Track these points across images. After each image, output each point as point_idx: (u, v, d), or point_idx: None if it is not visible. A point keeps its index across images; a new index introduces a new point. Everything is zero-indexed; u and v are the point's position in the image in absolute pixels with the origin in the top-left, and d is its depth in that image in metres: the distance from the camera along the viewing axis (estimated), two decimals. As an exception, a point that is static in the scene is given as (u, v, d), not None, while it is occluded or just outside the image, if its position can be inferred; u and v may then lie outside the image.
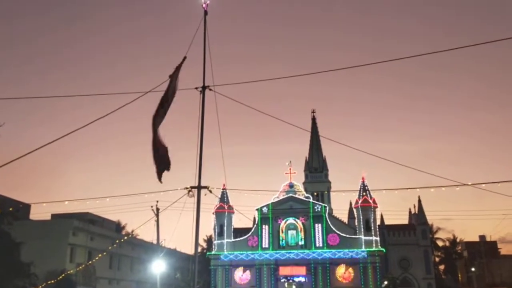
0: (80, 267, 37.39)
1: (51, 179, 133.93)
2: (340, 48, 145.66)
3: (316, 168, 74.39)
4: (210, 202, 47.66)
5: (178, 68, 13.37)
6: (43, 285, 30.40)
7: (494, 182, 20.64)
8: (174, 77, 13.03)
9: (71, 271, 35.37)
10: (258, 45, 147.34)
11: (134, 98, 15.38)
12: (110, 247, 40.59)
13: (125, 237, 40.19)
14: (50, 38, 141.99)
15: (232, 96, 16.34)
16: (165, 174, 12.86)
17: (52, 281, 30.94)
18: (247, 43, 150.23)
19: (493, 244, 69.77)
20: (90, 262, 39.77)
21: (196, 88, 15.69)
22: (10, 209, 25.77)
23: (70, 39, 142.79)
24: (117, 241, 40.60)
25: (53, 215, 49.73)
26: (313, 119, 77.49)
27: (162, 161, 12.75)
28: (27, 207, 50.21)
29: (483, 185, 20.60)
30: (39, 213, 60.97)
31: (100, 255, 39.11)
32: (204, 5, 15.75)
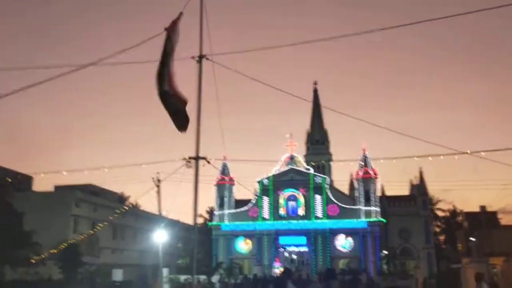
0: (82, 236, 37.95)
1: (55, 153, 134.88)
2: (342, 17, 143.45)
3: (317, 140, 74.38)
4: (212, 174, 47.98)
5: (175, 23, 12.84)
6: (46, 254, 30.97)
7: (493, 150, 20.56)
8: (171, 31, 12.47)
9: (73, 241, 35.93)
10: (258, 12, 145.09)
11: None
12: (111, 217, 41.10)
13: (126, 207, 40.62)
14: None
15: (232, 66, 16.18)
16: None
17: (55, 251, 31.50)
18: (247, 10, 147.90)
19: (493, 214, 70.15)
20: (92, 231, 40.27)
21: (193, 57, 15.48)
22: (8, 179, 25.94)
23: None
24: (117, 210, 40.97)
25: (56, 187, 50.30)
26: (315, 91, 77.22)
27: (180, 114, 11.72)
28: (29, 179, 50.85)
29: (483, 153, 20.50)
30: (43, 185, 61.61)
31: (101, 225, 39.60)
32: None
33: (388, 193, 60.22)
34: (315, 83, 77.75)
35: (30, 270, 31.23)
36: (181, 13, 13.42)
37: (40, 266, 31.49)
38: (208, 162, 18.54)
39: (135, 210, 58.88)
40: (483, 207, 68.93)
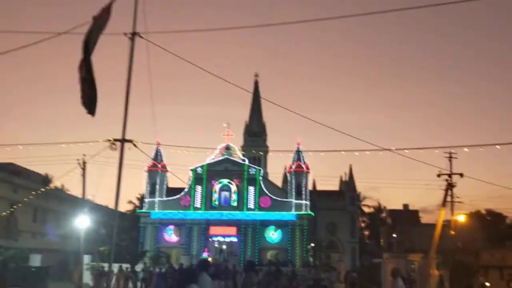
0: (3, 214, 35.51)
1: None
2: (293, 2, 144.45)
3: (255, 132, 74.81)
4: (145, 160, 46.62)
5: (105, 10, 11.98)
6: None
7: (415, 148, 21.34)
8: (100, 19, 11.66)
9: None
10: None
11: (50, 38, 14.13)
12: (28, 198, 38.76)
13: (47, 188, 38.49)
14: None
15: (169, 48, 15.36)
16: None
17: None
18: None
19: (415, 212, 74.18)
20: (8, 212, 37.75)
21: (125, 34, 14.50)
22: None
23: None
24: (37, 192, 38.71)
25: (-27, 165, 46.80)
26: (256, 83, 77.39)
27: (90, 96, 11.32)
28: None
29: (406, 151, 21.14)
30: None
31: (15, 206, 37.27)
32: None
33: (319, 188, 61.75)
34: (256, 75, 78.03)
35: None
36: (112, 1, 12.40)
37: None
38: (135, 146, 17.72)
39: (59, 192, 56.15)
40: (406, 206, 72.69)
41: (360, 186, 74.86)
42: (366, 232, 74.44)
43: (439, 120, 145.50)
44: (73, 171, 33.01)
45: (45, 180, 56.13)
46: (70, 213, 50.44)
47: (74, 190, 55.28)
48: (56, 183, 59.21)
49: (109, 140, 18.32)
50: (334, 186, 64.33)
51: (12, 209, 38.90)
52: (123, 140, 15.33)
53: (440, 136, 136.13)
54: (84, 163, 34.36)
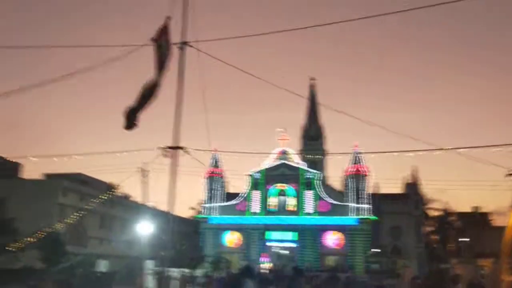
0: (66, 223, 37.31)
1: (49, 142, 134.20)
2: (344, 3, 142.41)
3: (312, 136, 73.99)
4: (204, 166, 47.34)
5: (163, 30, 12.11)
6: (24, 242, 30.39)
7: (479, 147, 19.97)
8: (161, 40, 11.79)
9: (52, 229, 35.29)
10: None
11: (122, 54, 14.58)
12: (91, 205, 40.39)
13: (109, 196, 39.94)
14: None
15: (220, 56, 15.41)
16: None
17: (33, 239, 30.82)
18: None
19: (485, 215, 69.88)
20: (76, 220, 39.53)
21: (175, 44, 14.73)
22: None
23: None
24: (97, 199, 40.24)
25: (45, 175, 49.67)
26: (311, 86, 76.69)
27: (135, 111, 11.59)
28: (17, 166, 50.27)
29: (461, 151, 19.84)
30: (36, 173, 60.94)
31: (78, 214, 38.88)
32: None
33: (382, 191, 59.92)
34: (312, 79, 77.35)
35: (9, 258, 30.65)
36: (168, 17, 12.49)
37: (20, 254, 30.93)
38: (187, 153, 17.96)
39: (123, 200, 58.31)
40: (475, 208, 68.65)
41: (426, 188, 71.79)
42: (433, 237, 71.18)
43: (505, 116, 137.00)
44: (133, 178, 34.05)
45: (111, 188, 58.56)
46: (134, 219, 52.24)
47: (139, 197, 57.24)
48: (121, 190, 61.68)
49: (162, 148, 18.75)
50: (397, 189, 62.18)
51: (77, 216, 40.70)
52: (174, 147, 15.65)
53: (508, 134, 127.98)
54: (145, 170, 35.37)
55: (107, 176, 68.93)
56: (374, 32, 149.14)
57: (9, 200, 33.72)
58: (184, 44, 15.02)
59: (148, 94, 11.43)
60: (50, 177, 48.16)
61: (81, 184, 49.63)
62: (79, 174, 51.99)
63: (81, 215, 43.94)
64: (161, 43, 11.28)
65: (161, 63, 11.18)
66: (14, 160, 46.52)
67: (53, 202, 43.19)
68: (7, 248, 29.31)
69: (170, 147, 16.16)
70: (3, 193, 32.66)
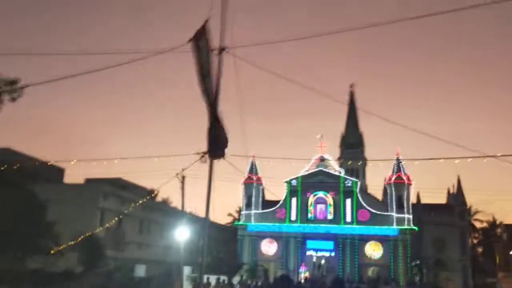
0: (106, 227, 37.79)
1: (94, 146, 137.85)
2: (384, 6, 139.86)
3: (352, 144, 72.71)
4: (242, 173, 47.11)
5: (201, 32, 12.05)
6: (65, 246, 30.90)
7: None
8: (200, 42, 11.70)
9: (91, 233, 35.78)
10: (289, 5, 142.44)
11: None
12: (128, 209, 40.80)
13: (142, 200, 40.11)
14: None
15: (258, 61, 15.11)
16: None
17: (72, 242, 31.24)
18: (277, 2, 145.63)
19: (536, 228, 66.30)
20: (117, 224, 39.96)
21: (212, 50, 14.53)
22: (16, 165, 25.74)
23: None
24: (135, 204, 40.53)
25: (86, 180, 50.77)
26: (351, 94, 75.52)
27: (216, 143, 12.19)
28: (61, 171, 51.66)
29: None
30: (79, 177, 62.39)
31: (115, 218, 39.29)
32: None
33: (424, 201, 57.98)
34: (352, 86, 76.25)
35: (49, 261, 31.24)
36: (207, 20, 12.39)
37: (60, 257, 31.48)
38: (223, 158, 17.69)
39: (162, 205, 58.86)
40: (525, 220, 65.31)
41: (471, 199, 69.05)
42: (479, 249, 68.14)
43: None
44: (173, 184, 34.19)
45: (150, 193, 59.28)
46: (172, 224, 52.60)
47: (178, 202, 57.65)
48: (160, 196, 62.32)
49: (198, 153, 18.61)
50: (441, 199, 60.04)
51: (119, 220, 41.14)
52: (211, 152, 15.37)
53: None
54: (183, 177, 35.41)
55: (146, 182, 69.93)
56: (420, 34, 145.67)
57: (52, 204, 34.44)
58: (222, 50, 14.80)
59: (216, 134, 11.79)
60: (91, 181, 49.19)
61: (121, 189, 50.44)
62: (119, 179, 52.89)
63: (120, 219, 44.54)
64: (200, 45, 11.03)
65: (201, 66, 10.94)
66: (59, 165, 47.79)
67: (94, 206, 44.03)
68: (51, 251, 29.89)
69: (205, 153, 15.98)
70: (46, 197, 33.39)
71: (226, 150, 14.21)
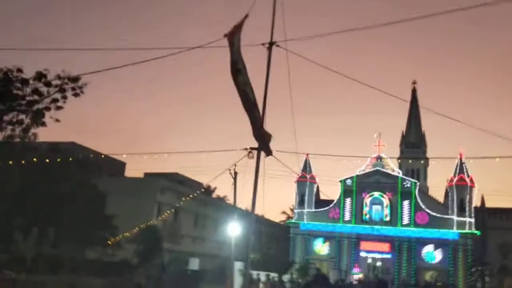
0: (162, 219, 38.90)
1: (150, 143, 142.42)
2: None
3: (413, 143, 70.58)
4: (296, 170, 46.83)
5: (238, 27, 12.19)
6: (121, 237, 32.24)
7: None
8: (234, 38, 11.87)
9: (151, 223, 36.97)
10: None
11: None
12: (180, 202, 41.67)
13: (198, 194, 40.83)
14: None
15: (314, 56, 14.92)
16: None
17: (129, 234, 32.48)
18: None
19: None
20: (174, 219, 40.97)
21: (263, 44, 14.43)
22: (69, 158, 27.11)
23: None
24: (191, 199, 41.22)
25: (145, 174, 52.66)
26: (413, 91, 73.16)
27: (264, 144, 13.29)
28: (122, 165, 53.89)
29: None
30: (139, 172, 64.67)
31: (168, 210, 40.13)
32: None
33: (489, 204, 55.19)
34: (414, 83, 73.90)
35: (107, 251, 32.75)
36: (246, 16, 12.45)
37: (117, 248, 32.91)
38: (271, 154, 17.65)
39: (217, 200, 59.85)
40: None
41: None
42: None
43: None
44: (227, 179, 34.69)
45: (206, 188, 60.51)
46: (226, 220, 53.40)
47: (232, 197, 58.35)
48: (216, 193, 63.38)
49: (246, 149, 18.69)
50: (507, 202, 56.78)
51: (175, 214, 42.10)
52: (258, 149, 15.36)
53: None
54: (235, 173, 35.77)
55: (201, 177, 71.37)
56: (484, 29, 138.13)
57: (112, 196, 36.06)
58: (272, 44, 14.63)
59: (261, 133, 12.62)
60: (150, 176, 50.98)
61: (178, 184, 51.88)
62: (176, 174, 54.40)
63: (177, 213, 45.80)
64: (234, 40, 11.10)
65: (232, 62, 11.04)
66: (120, 159, 49.85)
67: (152, 200, 45.62)
68: (108, 242, 31.30)
69: (252, 148, 15.99)
70: (108, 190, 35.03)
71: (271, 147, 14.33)
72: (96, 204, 31.64)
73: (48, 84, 24.44)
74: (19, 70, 24.29)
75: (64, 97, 24.78)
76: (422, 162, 66.21)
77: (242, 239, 40.62)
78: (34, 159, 24.98)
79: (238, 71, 11.23)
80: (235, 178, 36.54)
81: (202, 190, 54.54)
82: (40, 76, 24.08)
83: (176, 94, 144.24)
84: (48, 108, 24.78)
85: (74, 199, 29.50)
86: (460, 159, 44.52)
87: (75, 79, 24.60)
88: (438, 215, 44.69)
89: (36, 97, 24.61)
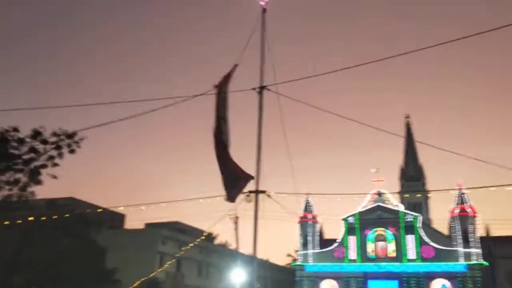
0: (164, 270, 38.14)
1: (149, 193, 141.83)
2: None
3: (412, 177, 70.55)
4: (293, 211, 46.57)
5: (227, 77, 12.51)
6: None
7: None
8: (222, 86, 12.15)
9: (152, 276, 36.28)
10: (322, 43, 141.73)
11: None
12: (179, 252, 41.04)
13: (198, 242, 40.28)
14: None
15: (304, 96, 15.27)
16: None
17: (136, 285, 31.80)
18: (312, 41, 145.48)
19: None
20: (166, 264, 40.18)
21: (254, 88, 14.77)
22: (74, 212, 26.97)
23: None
24: (189, 245, 40.68)
25: (146, 225, 52.16)
26: (407, 125, 73.83)
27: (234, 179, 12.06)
28: (122, 217, 53.49)
29: None
30: (138, 222, 64.13)
31: (170, 261, 39.50)
32: (263, 3, 14.91)
33: (495, 233, 54.48)
34: (407, 117, 74.68)
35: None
36: (235, 65, 12.86)
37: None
38: (269, 196, 17.63)
39: (219, 247, 59.04)
40: None
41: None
42: None
43: None
44: (228, 226, 34.41)
45: (207, 236, 59.75)
46: (230, 266, 52.46)
47: (234, 244, 57.61)
48: (219, 239, 62.61)
49: (244, 193, 18.70)
50: (512, 230, 56.02)
51: (178, 264, 41.34)
52: (256, 192, 15.38)
53: None
54: (237, 217, 35.51)
55: (202, 223, 70.66)
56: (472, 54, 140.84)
57: (113, 250, 35.58)
58: (262, 88, 14.99)
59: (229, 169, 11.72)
60: (150, 226, 50.48)
61: (179, 232, 51.27)
62: (177, 223, 53.90)
63: (179, 263, 45.03)
64: (221, 90, 11.34)
65: (216, 110, 11.18)
66: (119, 212, 49.52)
67: (153, 250, 44.93)
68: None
69: (251, 192, 16.02)
70: (107, 243, 34.60)
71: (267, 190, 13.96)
72: (96, 259, 31.17)
73: (44, 142, 24.57)
74: (15, 130, 24.48)
75: (60, 154, 24.84)
76: (420, 195, 66.04)
77: (247, 286, 39.87)
78: (32, 218, 24.78)
79: (221, 118, 11.37)
80: (236, 223, 36.29)
81: (202, 237, 53.92)
82: (36, 134, 24.24)
83: (173, 142, 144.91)
84: (44, 166, 24.79)
85: (74, 254, 29.10)
86: (459, 190, 44.38)
87: (71, 136, 24.74)
88: (444, 247, 44.11)
89: (32, 155, 24.68)
